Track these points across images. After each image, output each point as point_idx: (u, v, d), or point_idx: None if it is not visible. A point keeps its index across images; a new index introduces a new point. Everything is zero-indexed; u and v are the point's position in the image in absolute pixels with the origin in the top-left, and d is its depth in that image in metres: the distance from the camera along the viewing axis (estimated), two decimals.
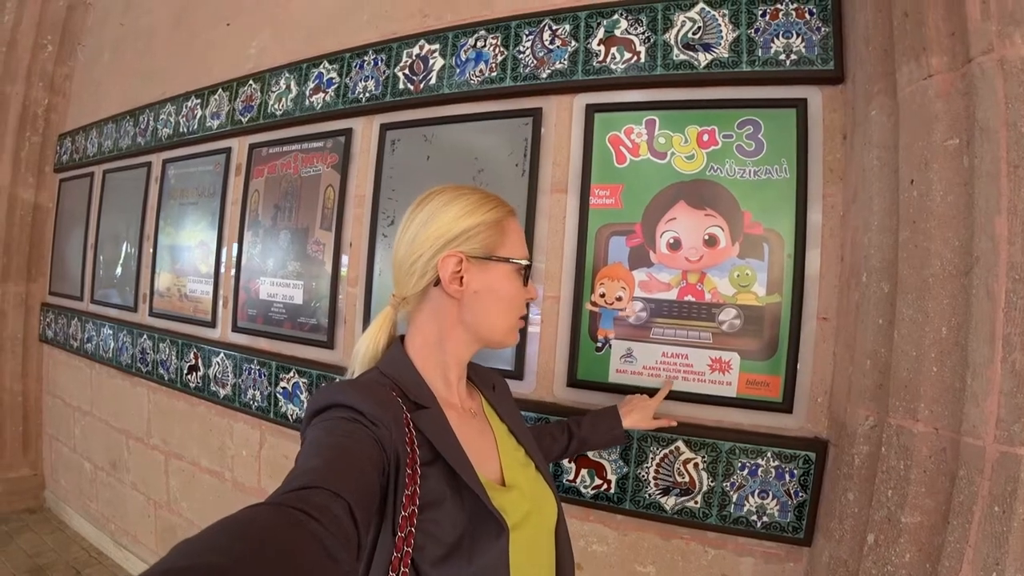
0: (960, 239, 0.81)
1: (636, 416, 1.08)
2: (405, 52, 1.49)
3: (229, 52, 2.03)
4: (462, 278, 0.69)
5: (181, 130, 2.14)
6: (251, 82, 1.87)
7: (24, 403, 2.96)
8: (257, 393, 1.75)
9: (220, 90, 1.99)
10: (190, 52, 2.23)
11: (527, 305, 0.76)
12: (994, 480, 0.73)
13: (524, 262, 0.73)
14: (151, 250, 2.25)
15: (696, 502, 1.12)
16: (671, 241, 1.17)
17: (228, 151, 1.94)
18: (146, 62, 2.48)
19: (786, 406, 1.07)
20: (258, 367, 1.75)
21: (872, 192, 0.96)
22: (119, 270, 2.45)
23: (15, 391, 2.91)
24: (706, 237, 1.14)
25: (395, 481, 0.57)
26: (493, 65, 1.35)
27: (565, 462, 1.22)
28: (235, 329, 1.85)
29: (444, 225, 0.70)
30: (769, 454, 1.07)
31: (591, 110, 1.25)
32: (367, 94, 1.54)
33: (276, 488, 0.45)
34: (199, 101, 2.08)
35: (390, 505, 0.56)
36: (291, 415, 1.66)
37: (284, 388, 1.68)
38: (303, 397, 1.63)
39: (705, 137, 1.16)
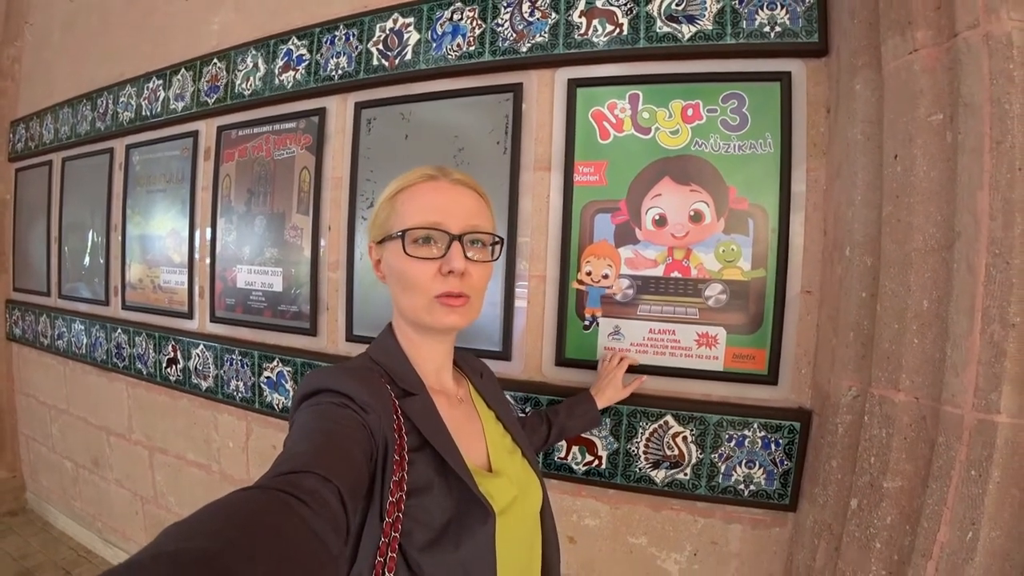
0: (942, 214, 0.82)
1: (608, 392, 1.11)
2: (378, 26, 1.43)
3: (190, 28, 1.93)
4: (380, 264, 0.71)
5: (144, 113, 2.04)
6: (215, 60, 1.78)
7: None
8: (240, 384, 1.72)
9: (183, 70, 1.89)
10: (148, 29, 2.10)
11: (458, 277, 0.65)
12: (971, 446, 0.76)
13: (401, 230, 0.65)
14: (120, 241, 2.16)
15: (686, 474, 1.15)
16: (657, 217, 1.16)
17: (195, 134, 1.85)
18: (101, 40, 2.34)
19: (771, 378, 1.10)
20: (240, 357, 1.71)
21: (856, 167, 0.96)
22: (87, 262, 2.35)
23: None
24: (691, 213, 1.14)
25: (383, 467, 0.57)
26: (471, 39, 1.31)
27: None
28: (213, 319, 1.80)
29: (370, 216, 0.73)
30: (755, 425, 1.09)
31: (573, 85, 1.22)
32: (340, 71, 1.48)
33: (265, 471, 0.45)
34: (161, 82, 1.98)
35: (377, 491, 0.56)
36: (277, 404, 1.64)
37: (268, 377, 1.65)
38: (288, 386, 1.61)
39: (690, 112, 1.15)
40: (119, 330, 2.15)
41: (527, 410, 1.26)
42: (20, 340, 2.78)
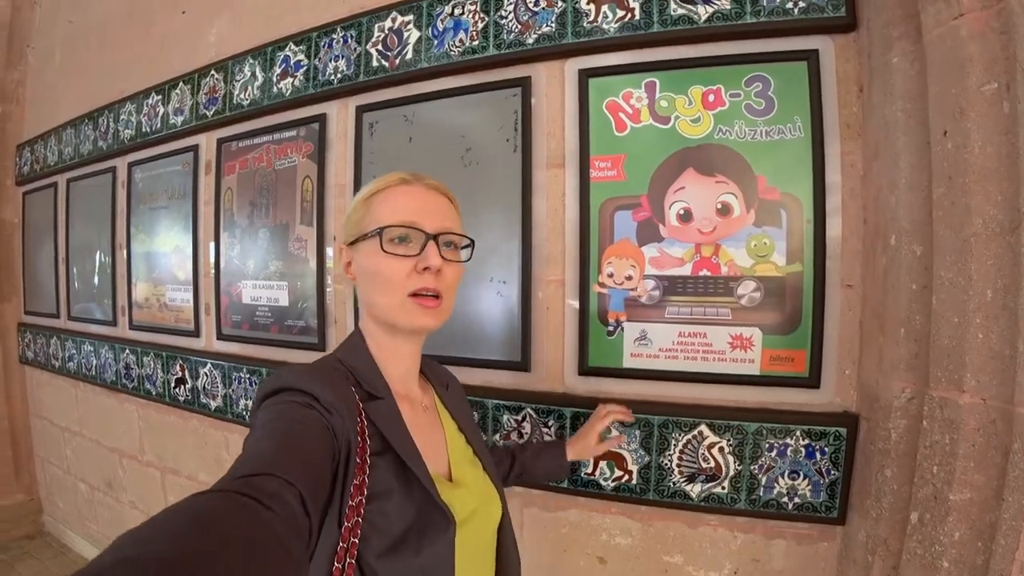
0: (1004, 193, 0.74)
1: (579, 445, 1.04)
2: (376, 26, 1.37)
3: (188, 42, 1.89)
4: (351, 266, 0.72)
5: (144, 130, 2.01)
6: (213, 72, 1.74)
7: (11, 427, 2.86)
8: (250, 403, 1.66)
9: (181, 83, 1.86)
10: (146, 45, 2.07)
11: (433, 274, 0.66)
12: None
13: (379, 227, 0.66)
14: (125, 260, 2.13)
15: (723, 487, 1.07)
16: (681, 212, 1.09)
17: (195, 148, 1.81)
18: (100, 59, 2.32)
19: (813, 381, 1.01)
20: (248, 375, 1.66)
21: (898, 147, 0.88)
22: (95, 282, 2.33)
23: (0, 415, 2.80)
24: (719, 206, 1.06)
25: (344, 470, 0.56)
26: (474, 33, 1.24)
27: None
28: (220, 337, 1.75)
29: (343, 219, 0.74)
30: (798, 432, 1.01)
31: (584, 75, 1.15)
32: (339, 75, 1.43)
33: (225, 473, 0.44)
34: (160, 97, 1.94)
35: (338, 493, 0.55)
36: None
37: None
38: None
39: (711, 97, 1.07)
40: (127, 350, 2.12)
41: (549, 424, 1.19)
42: (32, 363, 2.76)
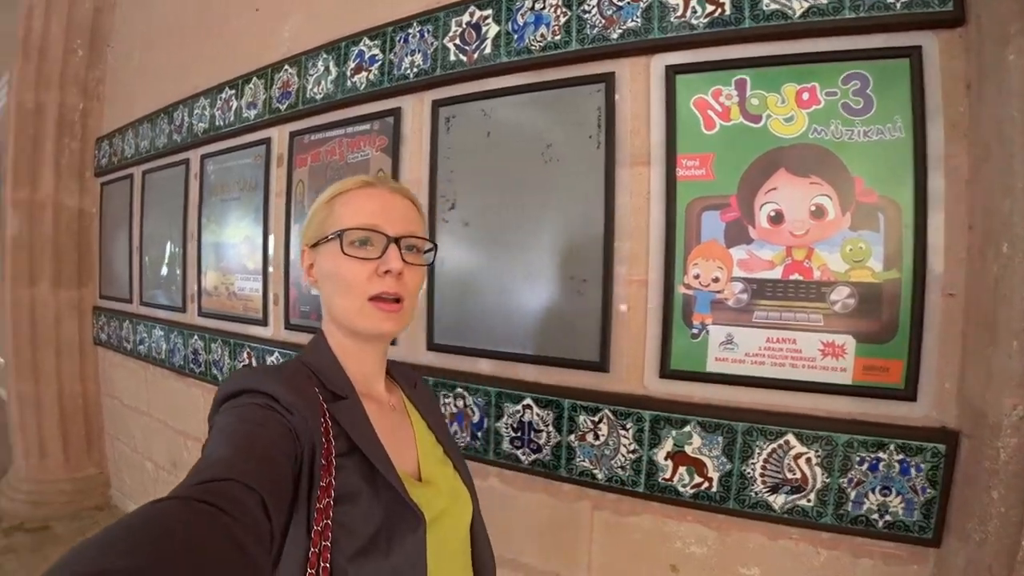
0: None
1: None
2: (454, 21, 1.38)
3: (261, 38, 1.95)
4: (312, 268, 0.72)
5: (217, 123, 2.09)
6: (286, 67, 1.79)
7: (84, 405, 3.03)
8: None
9: (254, 78, 1.92)
10: (220, 42, 2.16)
11: (395, 278, 0.66)
12: None
13: (339, 230, 0.66)
14: (196, 249, 2.23)
15: (809, 500, 1.02)
16: (772, 214, 1.05)
17: (267, 141, 1.87)
18: (176, 57, 2.43)
19: (909, 393, 0.96)
20: None
21: (1013, 148, 0.83)
22: (165, 270, 2.45)
23: (75, 393, 2.98)
24: (812, 208, 1.02)
25: (310, 472, 0.55)
26: (556, 28, 1.24)
27: (661, 460, 1.14)
28: (288, 327, 1.81)
29: (304, 221, 0.74)
30: (892, 447, 0.96)
31: (671, 72, 1.13)
32: (415, 69, 1.44)
33: (184, 479, 0.43)
34: (233, 92, 2.02)
35: (303, 497, 0.54)
36: None
37: None
38: None
39: (805, 96, 1.03)
40: (195, 336, 2.21)
41: (627, 426, 1.17)
42: (106, 344, 2.93)
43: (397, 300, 0.66)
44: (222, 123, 2.07)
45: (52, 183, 2.88)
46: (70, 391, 2.97)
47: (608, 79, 1.18)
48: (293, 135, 1.77)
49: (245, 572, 0.37)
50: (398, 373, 0.83)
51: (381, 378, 0.76)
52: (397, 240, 0.66)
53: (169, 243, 2.40)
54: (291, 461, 0.52)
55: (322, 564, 0.53)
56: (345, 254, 0.65)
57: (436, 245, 0.75)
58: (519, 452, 1.31)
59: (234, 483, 0.42)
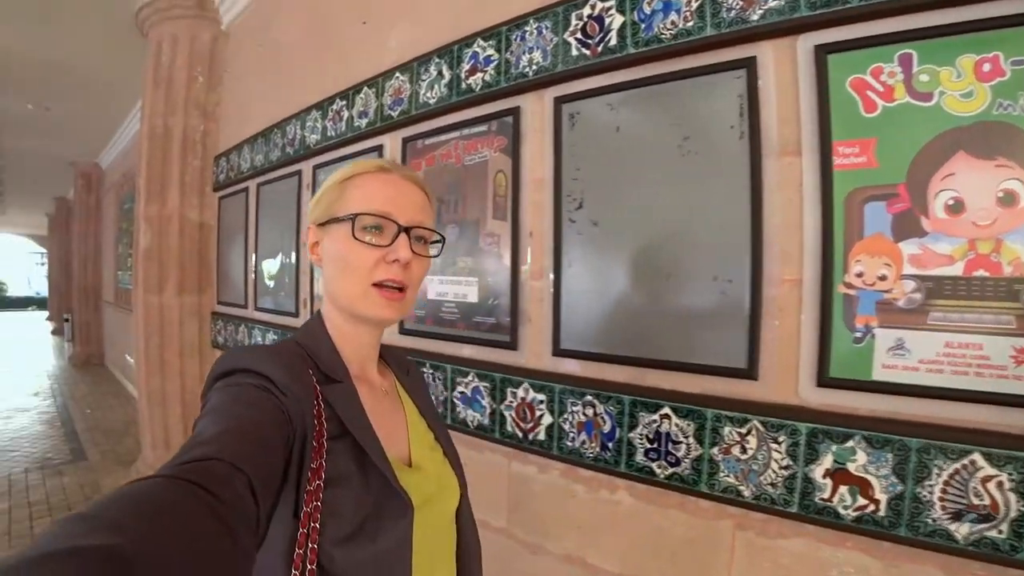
0: None
1: None
2: (574, 14, 1.33)
3: (369, 49, 2.01)
4: (318, 247, 0.72)
5: (329, 134, 2.18)
6: (398, 74, 1.83)
7: None
8: (432, 398, 1.71)
9: (365, 88, 1.98)
10: (329, 57, 2.26)
11: (401, 267, 0.66)
12: None
13: (351, 213, 0.65)
14: (308, 255, 2.33)
15: (1000, 531, 0.87)
16: (950, 202, 0.92)
17: (379, 148, 1.92)
18: (287, 76, 2.58)
19: None
20: (431, 371, 1.70)
21: None
22: (279, 277, 2.59)
23: (196, 392, 3.24)
24: (1000, 194, 0.88)
25: (300, 454, 0.55)
26: (687, 14, 1.16)
27: (819, 477, 1.02)
28: (402, 331, 1.83)
29: (311, 201, 0.73)
30: None
31: (822, 51, 1.01)
32: (534, 66, 1.41)
33: (173, 457, 0.42)
34: (344, 103, 2.10)
35: (292, 479, 0.54)
36: (471, 421, 1.59)
37: (462, 393, 1.61)
38: (484, 402, 1.55)
39: (986, 67, 0.88)
40: None
41: (780, 440, 1.06)
42: (222, 348, 3.16)
43: (401, 289, 0.67)
44: (333, 134, 2.15)
45: (177, 199, 3.18)
46: (192, 390, 3.24)
47: (749, 64, 1.09)
48: (406, 140, 1.80)
49: (230, 553, 0.37)
50: (391, 358, 0.84)
51: (375, 363, 0.77)
52: (408, 230, 0.67)
53: (282, 251, 2.54)
54: (283, 443, 0.52)
55: (310, 546, 0.52)
56: (355, 239, 0.65)
57: (443, 238, 0.76)
58: (654, 464, 1.22)
59: (222, 463, 0.42)
